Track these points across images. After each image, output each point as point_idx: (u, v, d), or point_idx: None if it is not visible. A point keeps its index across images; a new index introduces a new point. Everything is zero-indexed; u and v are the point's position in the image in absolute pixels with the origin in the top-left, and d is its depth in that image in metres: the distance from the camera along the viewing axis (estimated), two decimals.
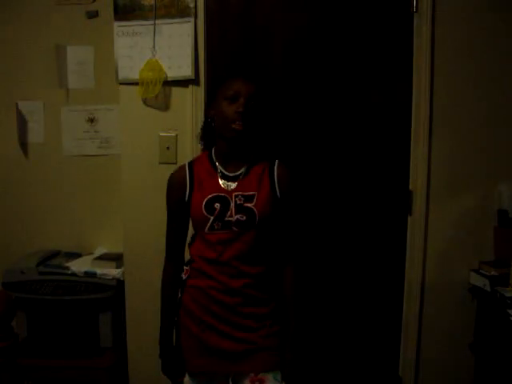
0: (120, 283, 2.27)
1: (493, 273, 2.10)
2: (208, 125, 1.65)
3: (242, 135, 1.55)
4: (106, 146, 2.51)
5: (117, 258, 2.32)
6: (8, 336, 1.60)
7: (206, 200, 1.57)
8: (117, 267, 2.29)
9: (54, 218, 2.54)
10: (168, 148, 2.21)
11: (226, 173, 1.61)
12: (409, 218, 2.24)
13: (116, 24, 2.17)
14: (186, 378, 1.64)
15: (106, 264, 2.30)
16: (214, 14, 2.18)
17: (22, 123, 2.52)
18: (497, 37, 2.16)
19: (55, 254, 2.45)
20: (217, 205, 1.56)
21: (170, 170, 2.18)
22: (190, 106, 2.18)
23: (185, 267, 1.68)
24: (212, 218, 1.56)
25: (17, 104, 2.50)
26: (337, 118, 2.24)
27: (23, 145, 2.53)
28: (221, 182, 1.60)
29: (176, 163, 2.20)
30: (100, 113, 2.49)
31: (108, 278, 2.25)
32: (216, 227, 1.56)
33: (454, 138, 2.20)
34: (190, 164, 1.67)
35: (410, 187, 2.23)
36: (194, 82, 2.17)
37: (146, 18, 2.14)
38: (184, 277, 1.66)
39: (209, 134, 1.67)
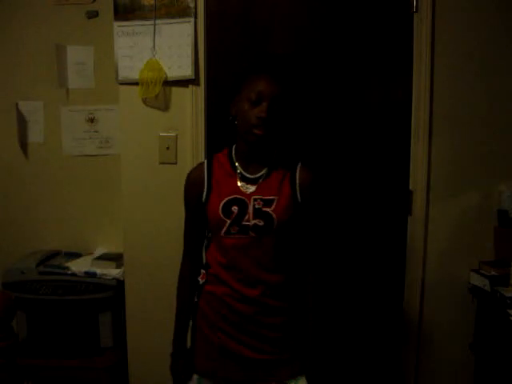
0: (120, 283, 2.27)
1: (493, 273, 2.10)
2: (230, 122, 1.57)
3: (262, 140, 1.48)
4: (106, 146, 2.51)
5: (117, 258, 2.33)
6: (8, 336, 1.60)
7: (223, 202, 1.51)
8: (117, 267, 2.29)
9: (54, 218, 2.54)
10: (168, 148, 2.21)
11: (245, 174, 1.54)
12: (409, 218, 2.24)
13: (116, 24, 2.17)
14: (194, 381, 1.60)
15: (106, 264, 2.30)
16: (214, 14, 2.18)
17: (22, 123, 2.51)
18: (497, 37, 2.16)
19: (55, 254, 2.46)
20: (234, 208, 1.49)
21: (170, 170, 2.21)
22: (189, 106, 2.18)
23: (202, 270, 1.62)
24: (229, 221, 1.49)
25: (17, 104, 2.50)
26: (337, 117, 2.24)
27: (23, 145, 2.53)
28: (239, 183, 1.53)
29: (176, 163, 2.20)
30: (100, 113, 2.49)
31: (108, 278, 2.25)
32: (232, 231, 1.50)
33: (454, 137, 2.20)
34: (209, 162, 1.60)
35: (410, 187, 2.23)
36: (194, 82, 2.17)
37: (146, 18, 2.14)
38: (201, 281, 1.61)
39: (231, 132, 1.59)
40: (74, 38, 2.45)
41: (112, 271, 2.27)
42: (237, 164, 1.55)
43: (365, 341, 2.32)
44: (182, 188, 1.63)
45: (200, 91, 2.17)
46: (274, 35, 2.20)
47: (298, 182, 1.55)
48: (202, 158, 2.17)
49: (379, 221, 2.27)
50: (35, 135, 2.53)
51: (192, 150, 2.18)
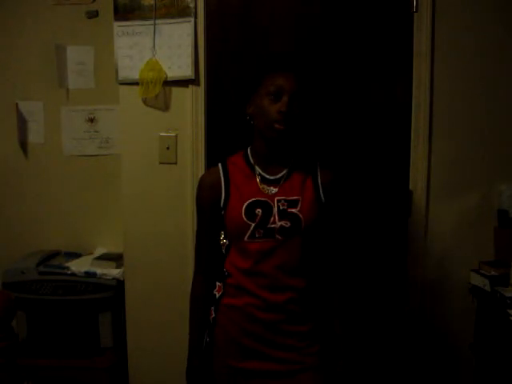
0: (120, 283, 2.26)
1: (493, 273, 2.10)
2: (247, 122, 1.52)
3: (283, 136, 1.44)
4: (106, 146, 2.51)
5: (117, 258, 2.32)
6: (8, 336, 1.60)
7: (245, 205, 1.45)
8: (117, 267, 2.29)
9: (54, 217, 2.54)
10: (168, 148, 2.21)
11: (265, 176, 1.49)
12: (409, 219, 2.24)
13: (116, 24, 2.17)
14: None
15: (106, 264, 2.30)
16: (214, 13, 2.18)
17: (22, 123, 2.51)
18: (497, 37, 2.16)
19: (55, 254, 2.46)
20: (258, 210, 1.44)
21: (170, 170, 2.21)
22: (190, 106, 2.18)
23: (217, 283, 1.54)
24: (253, 224, 1.43)
25: (17, 104, 2.50)
26: (337, 117, 2.24)
27: (23, 145, 2.53)
28: (260, 185, 1.48)
29: (176, 163, 2.20)
30: (100, 113, 2.49)
31: (108, 278, 2.25)
32: (257, 235, 1.44)
33: (454, 137, 2.20)
34: (224, 165, 1.54)
35: (410, 187, 2.23)
36: (194, 82, 2.17)
37: (145, 18, 2.14)
38: (217, 294, 1.53)
39: (247, 132, 1.55)
40: (74, 38, 2.45)
41: (112, 271, 2.27)
42: (255, 165, 1.51)
43: (364, 341, 2.32)
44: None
45: (200, 91, 2.17)
46: (274, 35, 2.20)
47: (320, 182, 1.52)
48: (202, 157, 2.18)
49: (379, 221, 2.27)
50: (35, 135, 2.52)
51: (192, 150, 2.18)
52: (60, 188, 2.53)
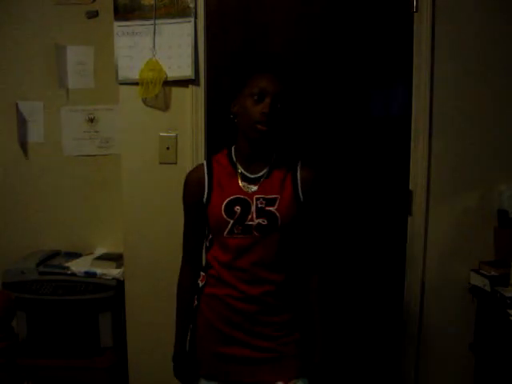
0: (120, 283, 2.27)
1: (493, 273, 2.10)
2: (231, 121, 1.57)
3: (266, 136, 1.49)
4: (106, 146, 2.51)
5: (117, 258, 2.33)
6: (8, 336, 1.59)
7: (225, 202, 1.51)
8: (117, 267, 2.29)
9: (53, 217, 2.54)
10: (168, 148, 2.21)
11: (246, 174, 1.54)
12: (409, 218, 2.24)
13: (116, 24, 2.17)
14: (202, 383, 1.59)
15: (106, 264, 2.30)
16: (214, 13, 2.18)
17: (22, 123, 2.51)
18: (497, 37, 2.16)
19: (55, 254, 2.46)
20: (237, 208, 1.50)
21: (170, 170, 2.21)
22: (190, 106, 2.18)
23: (201, 273, 1.62)
24: (232, 221, 1.49)
25: (17, 104, 2.50)
26: (337, 117, 2.24)
27: (23, 145, 2.53)
28: (241, 183, 1.53)
29: (176, 163, 2.20)
30: (100, 113, 2.49)
31: (108, 278, 2.25)
32: (236, 231, 1.50)
33: (453, 137, 2.20)
34: (209, 163, 1.60)
35: (410, 187, 2.23)
36: (194, 82, 2.17)
37: (145, 18, 2.14)
38: (201, 283, 1.60)
39: (231, 131, 1.59)
40: (74, 38, 2.44)
41: (112, 271, 2.27)
42: (237, 164, 1.56)
43: (364, 341, 2.32)
44: (182, 188, 1.62)
45: (200, 91, 2.17)
46: (274, 35, 2.20)
47: (299, 180, 1.56)
48: (202, 157, 2.18)
49: (379, 221, 2.27)
50: (35, 135, 2.52)
51: (192, 150, 2.18)
52: (60, 188, 2.53)
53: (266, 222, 1.49)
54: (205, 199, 1.54)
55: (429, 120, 2.17)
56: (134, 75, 2.15)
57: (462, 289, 2.23)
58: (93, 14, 2.42)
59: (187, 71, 2.16)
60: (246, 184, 1.53)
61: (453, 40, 2.15)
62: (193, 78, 2.16)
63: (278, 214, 1.50)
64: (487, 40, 2.16)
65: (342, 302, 2.30)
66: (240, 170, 1.55)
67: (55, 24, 2.44)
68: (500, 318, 1.95)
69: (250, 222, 1.49)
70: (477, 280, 2.15)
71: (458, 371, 2.27)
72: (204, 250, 1.64)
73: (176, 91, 2.19)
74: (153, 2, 2.13)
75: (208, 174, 1.56)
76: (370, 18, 2.19)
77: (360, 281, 2.29)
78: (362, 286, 2.30)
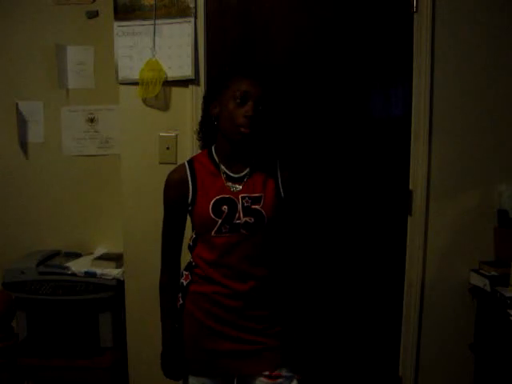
0: (120, 283, 2.27)
1: (493, 273, 2.10)
2: (210, 123, 1.59)
3: (248, 139, 1.51)
4: (106, 146, 2.51)
5: (117, 258, 2.33)
6: (8, 336, 1.60)
7: (212, 202, 1.52)
8: (117, 267, 2.29)
9: (54, 217, 2.54)
10: (168, 148, 2.21)
11: (230, 174, 1.56)
12: (409, 218, 2.24)
13: (116, 24, 2.17)
14: (191, 380, 1.61)
15: (106, 264, 2.30)
16: (214, 13, 2.18)
17: (22, 123, 2.51)
18: (497, 37, 2.16)
19: (55, 254, 2.46)
20: (224, 207, 1.52)
21: (170, 170, 2.19)
22: (190, 106, 2.18)
23: (184, 272, 1.63)
24: (220, 220, 1.51)
25: (17, 104, 2.50)
26: (337, 117, 2.24)
27: (23, 145, 2.53)
28: (226, 183, 1.55)
29: (176, 163, 2.20)
30: (100, 113, 2.49)
31: (108, 278, 2.25)
32: (224, 230, 1.52)
33: (453, 137, 2.20)
34: (190, 163, 1.60)
35: (410, 187, 2.23)
36: (194, 81, 2.17)
37: (145, 18, 2.14)
38: (185, 282, 1.61)
39: (209, 132, 1.62)
40: (74, 38, 2.45)
41: (112, 271, 2.27)
42: (220, 164, 1.58)
43: (364, 341, 2.32)
44: (163, 189, 1.62)
45: (200, 91, 2.17)
46: (274, 35, 2.20)
47: (279, 177, 1.61)
48: None
49: (379, 220, 2.27)
50: (35, 135, 2.53)
51: (192, 150, 2.18)
52: (60, 188, 2.53)
53: (252, 220, 1.53)
54: (189, 200, 1.55)
55: (429, 120, 2.17)
56: (134, 75, 2.15)
57: (462, 289, 2.23)
58: (93, 14, 2.42)
59: (187, 71, 2.16)
60: (230, 183, 1.56)
61: (453, 40, 2.15)
62: (193, 77, 2.16)
63: (263, 212, 1.54)
64: (487, 40, 2.16)
65: (342, 302, 2.30)
66: (223, 169, 1.57)
67: (55, 24, 2.44)
68: (500, 318, 1.95)
69: (238, 221, 1.52)
70: (477, 280, 2.15)
71: (458, 371, 2.27)
72: (188, 250, 1.64)
73: (176, 91, 2.19)
74: (153, 2, 2.13)
75: (191, 174, 1.57)
76: (370, 18, 2.19)
77: (360, 281, 2.29)
78: (362, 286, 2.30)
